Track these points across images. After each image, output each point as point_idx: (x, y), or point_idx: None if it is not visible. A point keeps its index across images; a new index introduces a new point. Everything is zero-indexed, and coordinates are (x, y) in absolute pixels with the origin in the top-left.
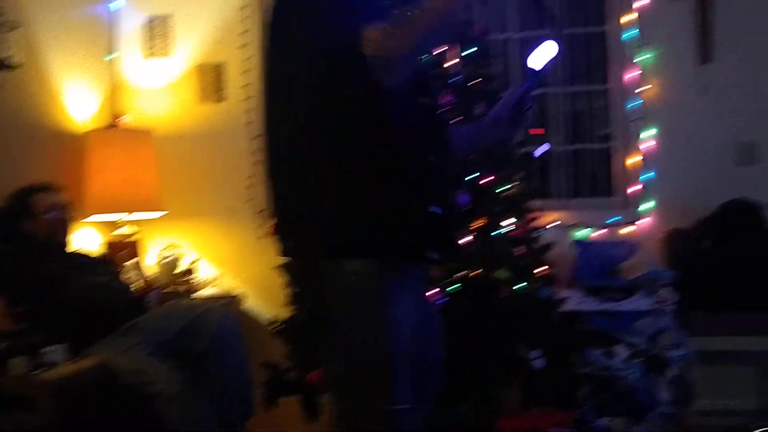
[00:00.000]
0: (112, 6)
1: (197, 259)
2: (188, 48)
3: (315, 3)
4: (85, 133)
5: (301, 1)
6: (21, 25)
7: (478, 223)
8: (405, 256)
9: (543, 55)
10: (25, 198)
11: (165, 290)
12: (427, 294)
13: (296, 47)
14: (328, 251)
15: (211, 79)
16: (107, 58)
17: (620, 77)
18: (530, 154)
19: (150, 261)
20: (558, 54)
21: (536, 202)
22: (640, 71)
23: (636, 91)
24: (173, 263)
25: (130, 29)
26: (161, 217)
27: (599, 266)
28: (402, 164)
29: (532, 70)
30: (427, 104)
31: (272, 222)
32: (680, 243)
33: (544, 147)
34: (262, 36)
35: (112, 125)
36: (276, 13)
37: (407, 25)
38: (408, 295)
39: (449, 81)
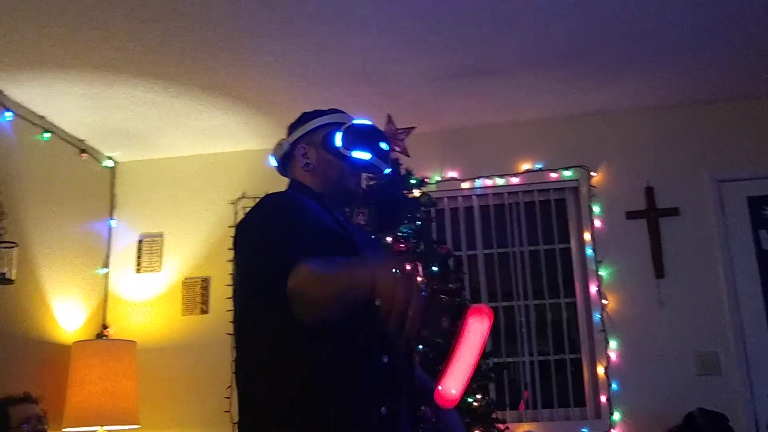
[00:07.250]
0: (108, 224)
1: None
2: (176, 263)
3: (261, 228)
4: (73, 343)
5: (250, 224)
6: (18, 244)
7: None
8: None
9: None
10: (2, 409)
11: None
12: None
13: (239, 270)
14: None
15: (197, 292)
16: (99, 272)
17: (585, 291)
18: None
19: None
20: None
21: (506, 413)
22: (601, 286)
23: (598, 304)
24: None
25: (124, 246)
26: (135, 430)
27: None
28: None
29: None
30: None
31: None
32: None
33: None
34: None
35: (100, 336)
36: (237, 229)
37: (341, 276)
38: None
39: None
